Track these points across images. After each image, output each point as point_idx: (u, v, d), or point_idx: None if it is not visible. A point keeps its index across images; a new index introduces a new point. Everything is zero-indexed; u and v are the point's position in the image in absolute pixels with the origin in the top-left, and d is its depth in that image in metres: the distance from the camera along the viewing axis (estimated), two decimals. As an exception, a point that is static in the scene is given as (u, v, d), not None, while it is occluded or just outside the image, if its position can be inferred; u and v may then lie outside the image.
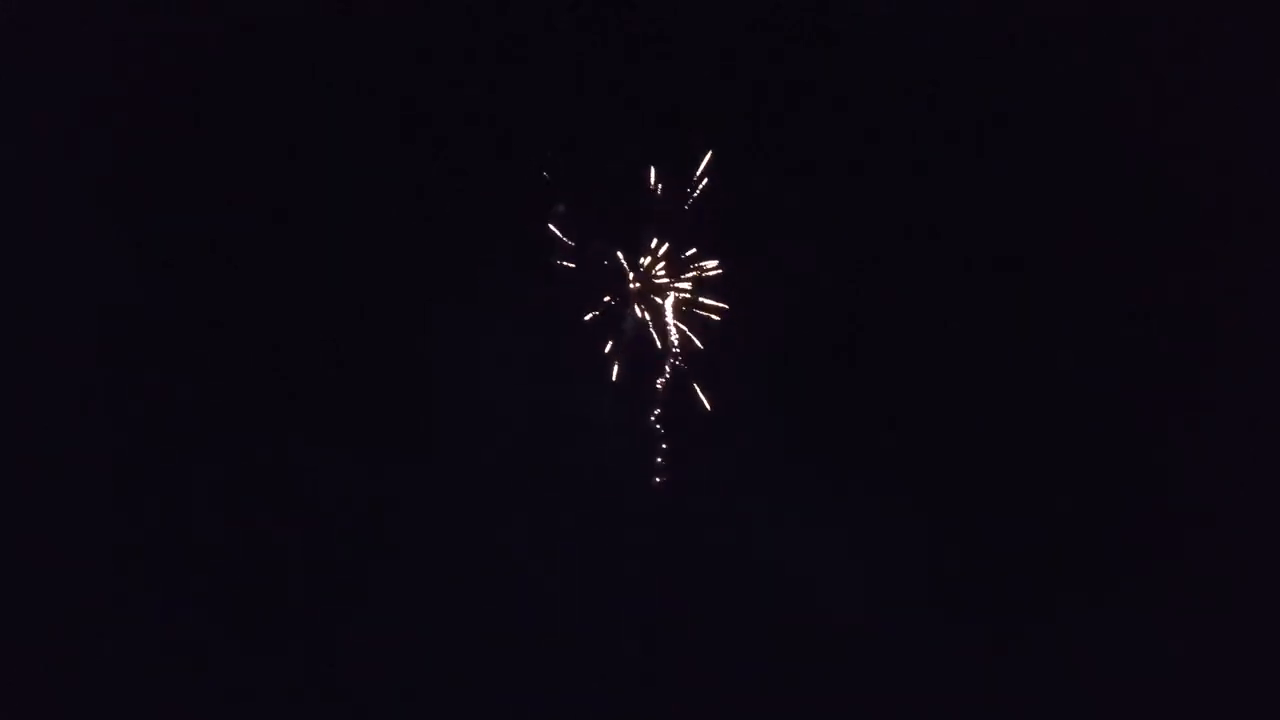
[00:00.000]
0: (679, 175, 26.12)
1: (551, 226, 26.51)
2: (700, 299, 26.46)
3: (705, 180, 26.00)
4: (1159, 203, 25.28)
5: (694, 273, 26.48)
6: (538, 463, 25.82)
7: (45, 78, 24.88)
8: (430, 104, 26.15)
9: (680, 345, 26.49)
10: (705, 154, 25.92)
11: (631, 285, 26.51)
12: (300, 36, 25.34)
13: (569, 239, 26.50)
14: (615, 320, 26.54)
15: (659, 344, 26.49)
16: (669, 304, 26.58)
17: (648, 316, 26.54)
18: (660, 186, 26.13)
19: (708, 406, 26.23)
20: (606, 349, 26.48)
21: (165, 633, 24.75)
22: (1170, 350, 25.03)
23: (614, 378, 26.51)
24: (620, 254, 26.42)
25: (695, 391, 26.51)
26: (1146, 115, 24.93)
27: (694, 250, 26.64)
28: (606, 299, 26.44)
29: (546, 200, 26.50)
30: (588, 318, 26.67)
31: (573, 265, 26.41)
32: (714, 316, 26.47)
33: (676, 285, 26.56)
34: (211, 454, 25.49)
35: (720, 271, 26.49)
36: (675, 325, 26.54)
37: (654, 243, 26.50)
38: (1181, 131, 24.73)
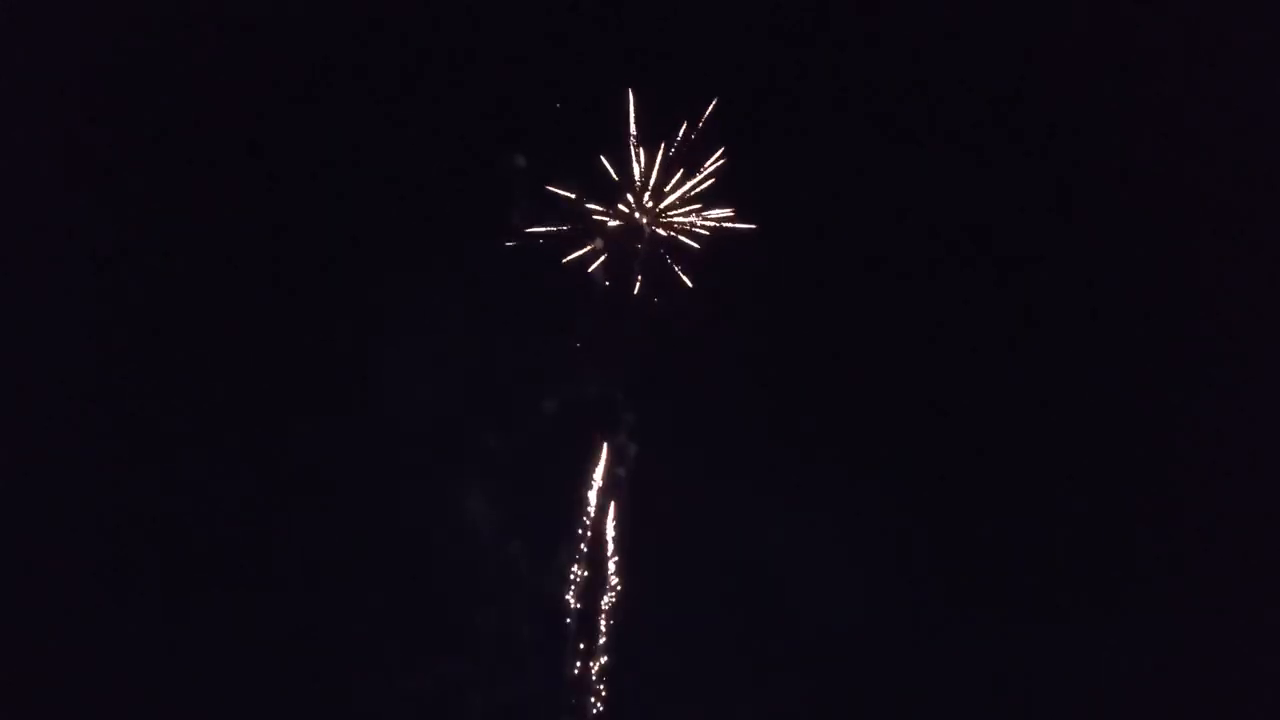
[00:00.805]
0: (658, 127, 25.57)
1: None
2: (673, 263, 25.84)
3: (686, 131, 25.36)
4: (1160, 204, 25.24)
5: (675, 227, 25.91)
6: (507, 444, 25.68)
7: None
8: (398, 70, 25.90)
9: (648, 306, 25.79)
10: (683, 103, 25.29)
11: (598, 242, 25.73)
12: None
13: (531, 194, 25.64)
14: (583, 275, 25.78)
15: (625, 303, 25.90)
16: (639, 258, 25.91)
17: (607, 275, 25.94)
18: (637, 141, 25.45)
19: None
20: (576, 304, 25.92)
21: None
22: (1171, 350, 24.99)
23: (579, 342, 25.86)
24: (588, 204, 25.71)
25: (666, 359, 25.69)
26: (1150, 116, 24.97)
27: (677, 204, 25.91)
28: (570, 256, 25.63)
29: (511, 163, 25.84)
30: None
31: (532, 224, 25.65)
32: (687, 282, 25.57)
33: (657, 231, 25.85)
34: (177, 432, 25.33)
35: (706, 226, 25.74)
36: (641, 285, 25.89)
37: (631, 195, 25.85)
38: (1186, 133, 24.75)
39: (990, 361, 25.21)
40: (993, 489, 24.76)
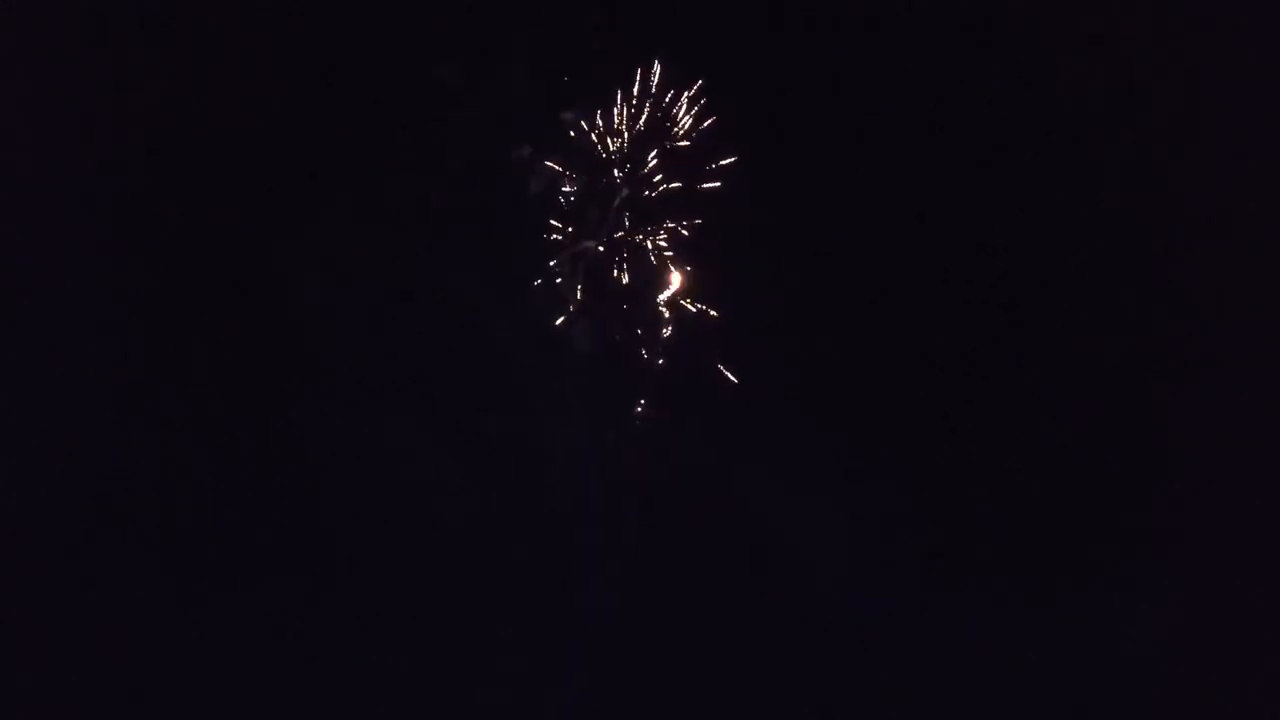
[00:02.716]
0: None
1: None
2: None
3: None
4: (1155, 200, 25.72)
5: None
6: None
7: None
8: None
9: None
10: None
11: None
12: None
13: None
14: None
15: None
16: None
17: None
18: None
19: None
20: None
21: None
22: (1169, 332, 25.48)
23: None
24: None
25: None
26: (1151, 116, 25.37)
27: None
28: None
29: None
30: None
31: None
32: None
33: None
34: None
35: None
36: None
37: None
38: (1187, 132, 25.17)
39: (994, 351, 25.65)
40: (1002, 475, 25.30)
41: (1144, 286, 25.74)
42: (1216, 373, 25.00)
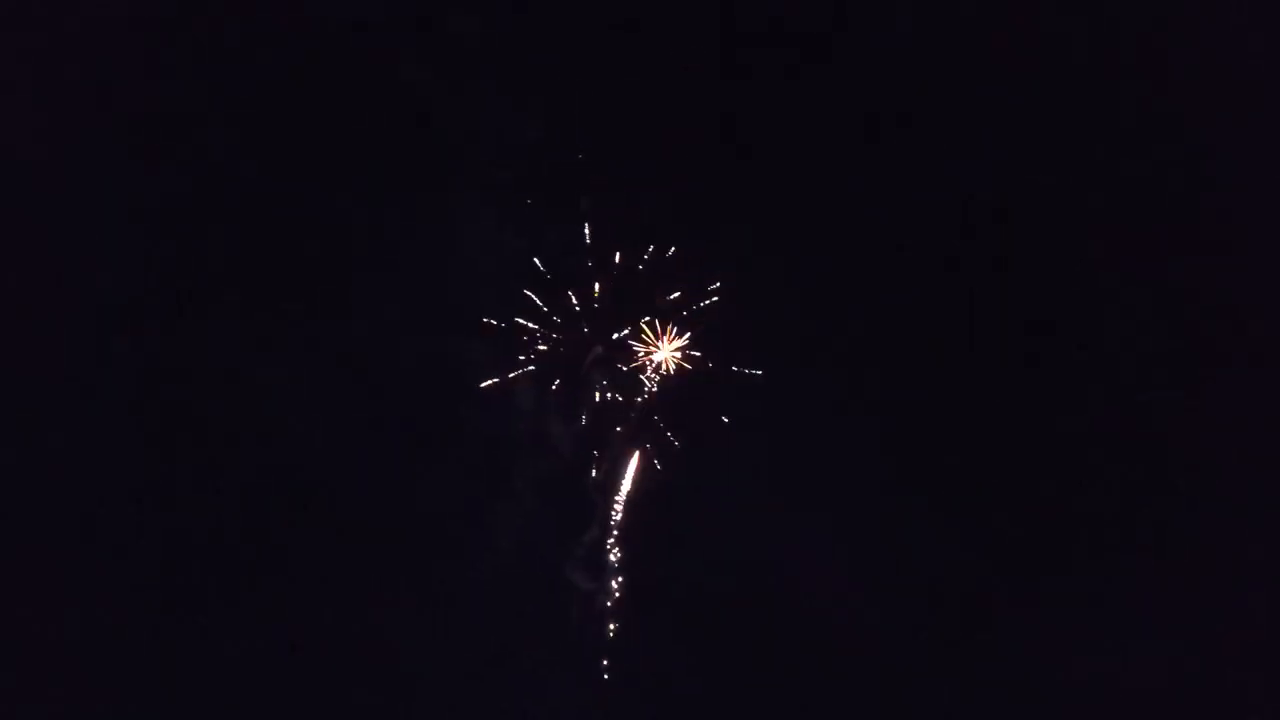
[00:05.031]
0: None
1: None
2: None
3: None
4: (1150, 200, 25.31)
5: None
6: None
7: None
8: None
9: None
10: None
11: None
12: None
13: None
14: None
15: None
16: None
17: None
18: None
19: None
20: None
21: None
22: (1162, 348, 25.06)
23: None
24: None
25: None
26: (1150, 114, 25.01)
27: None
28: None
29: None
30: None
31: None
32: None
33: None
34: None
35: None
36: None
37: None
38: (1184, 132, 24.79)
39: (999, 364, 25.31)
40: (1003, 486, 24.92)
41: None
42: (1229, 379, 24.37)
